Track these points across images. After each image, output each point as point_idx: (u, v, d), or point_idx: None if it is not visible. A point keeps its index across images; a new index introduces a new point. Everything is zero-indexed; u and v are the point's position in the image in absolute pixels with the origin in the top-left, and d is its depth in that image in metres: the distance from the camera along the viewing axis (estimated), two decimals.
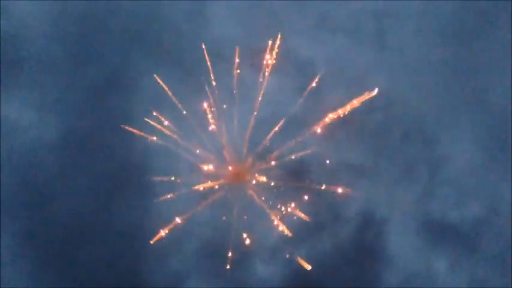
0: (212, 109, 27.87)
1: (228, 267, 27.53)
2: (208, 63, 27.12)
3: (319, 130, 28.85)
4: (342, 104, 28.70)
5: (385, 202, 30.10)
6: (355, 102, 28.13)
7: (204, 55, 27.01)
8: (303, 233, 29.13)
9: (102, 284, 26.07)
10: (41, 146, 26.35)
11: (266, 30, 27.73)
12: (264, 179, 28.96)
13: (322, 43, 29.07)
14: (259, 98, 28.45)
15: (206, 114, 27.94)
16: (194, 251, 27.76)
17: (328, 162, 29.43)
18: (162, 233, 26.82)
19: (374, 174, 30.25)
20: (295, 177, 29.58)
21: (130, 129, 26.72)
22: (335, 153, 29.66)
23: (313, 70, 28.89)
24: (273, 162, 29.25)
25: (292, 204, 28.83)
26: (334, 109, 28.82)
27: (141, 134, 26.74)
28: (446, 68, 29.54)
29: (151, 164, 27.76)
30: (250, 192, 29.13)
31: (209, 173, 28.49)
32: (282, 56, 28.56)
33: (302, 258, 28.45)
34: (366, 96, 27.89)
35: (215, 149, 28.65)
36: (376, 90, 27.66)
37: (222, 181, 28.62)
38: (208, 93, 27.70)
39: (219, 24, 27.64)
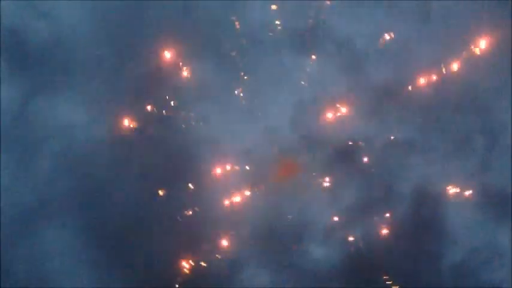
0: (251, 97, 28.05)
1: (284, 251, 27.57)
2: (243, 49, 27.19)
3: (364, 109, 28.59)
4: (389, 81, 28.51)
5: (441, 176, 29.50)
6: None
7: (241, 42, 27.18)
8: (356, 213, 28.89)
9: (167, 275, 26.63)
10: (94, 143, 27.04)
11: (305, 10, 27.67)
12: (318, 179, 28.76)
13: (362, 19, 28.62)
14: (302, 82, 28.41)
15: (247, 102, 28.13)
16: (249, 236, 27.87)
17: (392, 137, 29.04)
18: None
19: (427, 149, 29.63)
20: (346, 158, 29.37)
21: None
22: (386, 130, 29.33)
23: (355, 47, 28.67)
24: (322, 147, 29.13)
25: (344, 183, 28.62)
26: (383, 86, 28.61)
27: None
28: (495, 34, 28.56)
29: (201, 153, 28.10)
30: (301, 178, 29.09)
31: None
32: (322, 36, 28.46)
33: (358, 239, 28.14)
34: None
35: (262, 139, 28.77)
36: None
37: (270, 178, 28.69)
38: (246, 80, 27.88)
39: (255, 7, 27.68)
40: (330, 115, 28.75)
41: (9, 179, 26.33)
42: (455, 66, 28.61)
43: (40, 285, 26.36)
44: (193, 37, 27.23)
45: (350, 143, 29.05)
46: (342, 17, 28.34)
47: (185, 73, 27.51)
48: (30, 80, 27.11)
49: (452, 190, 29.01)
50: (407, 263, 28.24)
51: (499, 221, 28.80)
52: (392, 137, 29.14)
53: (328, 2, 27.97)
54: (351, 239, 28.16)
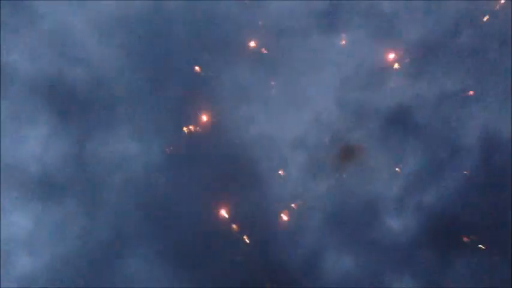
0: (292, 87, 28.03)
1: (361, 230, 27.19)
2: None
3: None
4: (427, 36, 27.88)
5: (506, 121, 28.20)
6: None
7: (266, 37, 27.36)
8: (427, 176, 28.08)
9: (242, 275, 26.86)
10: (151, 168, 27.80)
11: None
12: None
13: None
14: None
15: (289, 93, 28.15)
16: (320, 225, 27.68)
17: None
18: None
19: (485, 95, 28.49)
20: (403, 123, 28.68)
21: None
22: (438, 85, 28.49)
23: (383, 12, 28.12)
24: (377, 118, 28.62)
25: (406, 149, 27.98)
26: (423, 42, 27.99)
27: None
28: None
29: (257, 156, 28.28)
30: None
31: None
32: (346, 11, 28.14)
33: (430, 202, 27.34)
34: None
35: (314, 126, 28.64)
36: None
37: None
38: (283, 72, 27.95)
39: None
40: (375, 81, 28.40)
41: (83, 219, 27.43)
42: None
43: None
44: (221, 44, 27.85)
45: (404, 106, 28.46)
46: None
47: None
48: (81, 124, 28.23)
49: None
50: (486, 218, 27.16)
51: None
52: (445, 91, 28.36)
53: None
54: (426, 202, 27.43)
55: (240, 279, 26.98)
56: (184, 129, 27.77)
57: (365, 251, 27.18)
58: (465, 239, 26.77)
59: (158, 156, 27.86)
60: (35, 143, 27.43)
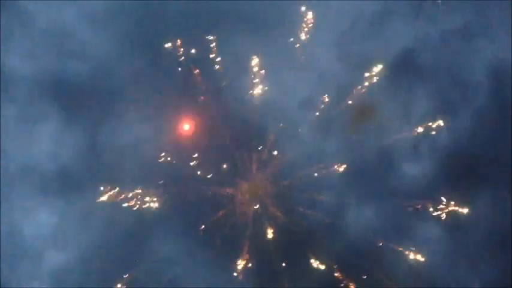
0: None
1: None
2: None
3: None
4: None
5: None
6: None
7: None
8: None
9: None
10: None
11: None
12: None
13: None
14: None
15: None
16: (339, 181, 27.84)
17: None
18: None
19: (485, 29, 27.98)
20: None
21: None
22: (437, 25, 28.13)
23: None
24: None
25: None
26: None
27: None
28: None
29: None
30: None
31: None
32: None
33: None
34: None
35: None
36: None
37: None
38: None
39: None
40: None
41: (107, 208, 27.89)
42: None
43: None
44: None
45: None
46: None
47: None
48: (91, 115, 28.54)
49: None
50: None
51: None
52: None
53: None
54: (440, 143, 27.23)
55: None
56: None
57: (385, 201, 27.24)
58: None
59: (170, 136, 28.17)
60: (48, 141, 27.94)
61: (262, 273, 27.35)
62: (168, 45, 27.62)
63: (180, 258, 27.37)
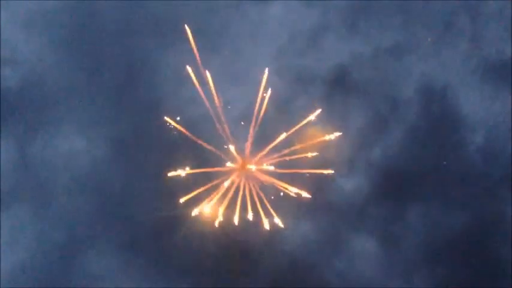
0: None
1: None
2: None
3: None
4: None
5: (441, 68, 29.04)
6: None
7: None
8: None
9: None
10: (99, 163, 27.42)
11: None
12: None
13: None
14: None
15: None
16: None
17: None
18: None
19: (415, 48, 29.14)
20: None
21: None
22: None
23: None
24: None
25: None
26: None
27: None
28: None
29: None
30: None
31: None
32: None
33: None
34: None
35: None
36: None
37: None
38: None
39: None
40: None
41: (36, 223, 26.91)
42: None
43: None
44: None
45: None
46: None
47: None
48: (20, 127, 27.54)
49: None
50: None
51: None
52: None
53: None
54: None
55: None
56: None
57: (321, 215, 27.71)
58: None
59: (104, 150, 27.55)
60: None
61: None
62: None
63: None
